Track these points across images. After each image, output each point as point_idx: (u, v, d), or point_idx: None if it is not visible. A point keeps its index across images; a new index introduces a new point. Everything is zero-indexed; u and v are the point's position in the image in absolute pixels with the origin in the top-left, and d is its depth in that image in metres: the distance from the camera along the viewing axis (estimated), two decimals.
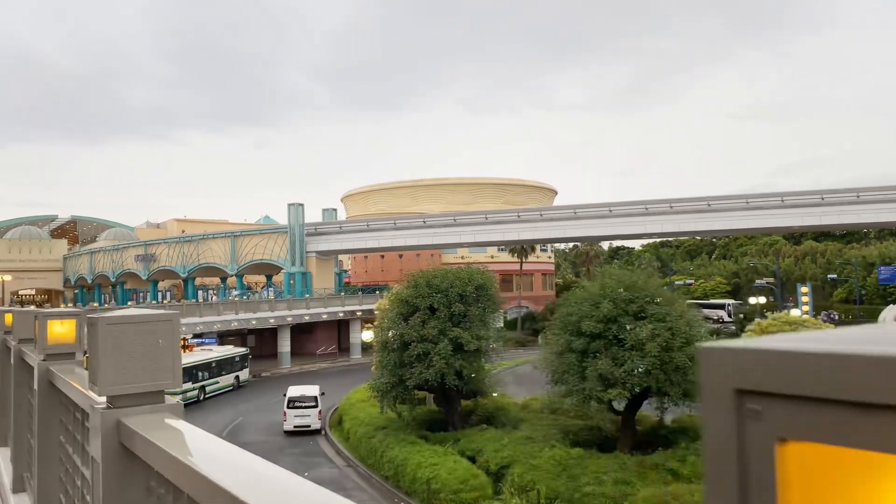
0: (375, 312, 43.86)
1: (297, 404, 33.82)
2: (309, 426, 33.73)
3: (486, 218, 68.27)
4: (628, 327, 20.93)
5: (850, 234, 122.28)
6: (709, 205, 61.93)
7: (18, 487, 5.54)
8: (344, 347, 68.70)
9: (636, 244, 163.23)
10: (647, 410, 24.65)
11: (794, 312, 43.54)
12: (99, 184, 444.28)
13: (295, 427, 33.46)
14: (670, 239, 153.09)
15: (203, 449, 1.62)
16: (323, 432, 34.26)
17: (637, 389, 20.53)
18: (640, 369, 20.14)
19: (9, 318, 6.80)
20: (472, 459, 23.21)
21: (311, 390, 35.12)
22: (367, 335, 34.89)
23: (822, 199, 59.01)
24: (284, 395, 37.76)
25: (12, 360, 6.02)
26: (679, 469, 19.04)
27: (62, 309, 7.00)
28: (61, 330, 4.20)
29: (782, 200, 60.36)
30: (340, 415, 34.89)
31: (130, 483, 2.04)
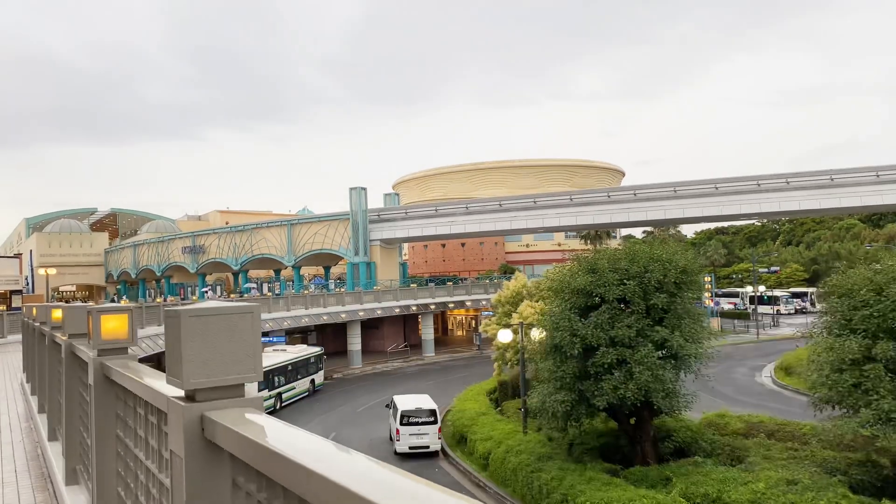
0: (491, 305, 38.08)
1: (411, 420, 27.41)
2: (428, 447, 27.41)
3: (571, 199, 61.27)
4: None
5: None
6: (832, 179, 54.20)
7: (71, 480, 5.50)
8: (413, 344, 62.52)
9: (689, 231, 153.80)
10: None
11: None
12: (125, 181, 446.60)
13: (411, 448, 27.17)
14: (724, 224, 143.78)
15: (287, 438, 1.50)
16: (440, 454, 28.00)
17: None
18: None
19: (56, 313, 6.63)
20: None
21: (426, 402, 28.74)
22: (506, 335, 28.15)
23: None
24: (387, 405, 31.53)
25: (63, 356, 5.60)
26: None
27: (114, 304, 5.07)
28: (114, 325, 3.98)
29: None
30: (456, 431, 28.54)
31: (216, 476, 1.87)
